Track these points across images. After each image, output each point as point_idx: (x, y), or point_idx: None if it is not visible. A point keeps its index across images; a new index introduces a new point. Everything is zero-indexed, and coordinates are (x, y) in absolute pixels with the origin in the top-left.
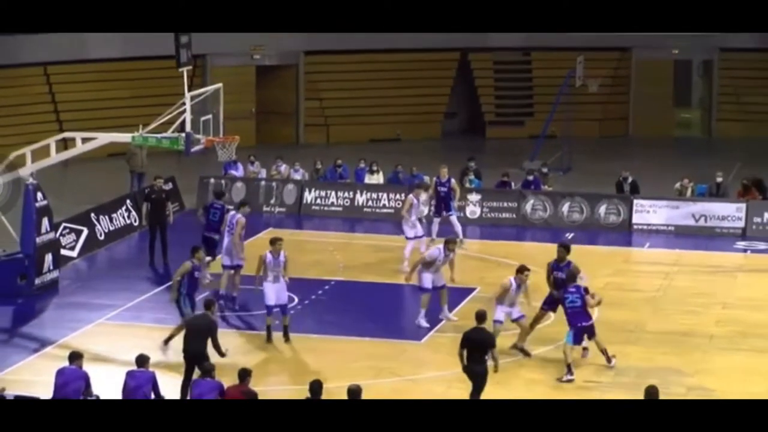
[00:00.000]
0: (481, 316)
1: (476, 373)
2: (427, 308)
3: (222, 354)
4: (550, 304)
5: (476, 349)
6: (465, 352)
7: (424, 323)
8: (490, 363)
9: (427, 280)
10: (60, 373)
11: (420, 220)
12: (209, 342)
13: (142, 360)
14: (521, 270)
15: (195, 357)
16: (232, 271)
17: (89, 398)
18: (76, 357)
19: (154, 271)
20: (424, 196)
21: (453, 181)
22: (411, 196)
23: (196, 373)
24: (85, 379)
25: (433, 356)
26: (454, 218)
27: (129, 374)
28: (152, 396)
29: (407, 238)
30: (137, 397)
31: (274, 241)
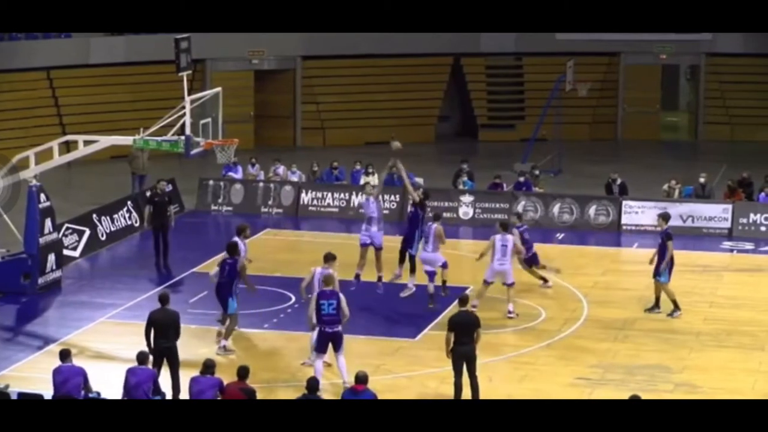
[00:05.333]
0: (464, 300)
1: (467, 354)
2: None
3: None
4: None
5: (463, 332)
6: (453, 336)
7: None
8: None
9: None
10: (57, 371)
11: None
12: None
13: (143, 357)
14: (504, 226)
15: (162, 352)
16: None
17: (89, 394)
18: (67, 354)
19: (155, 271)
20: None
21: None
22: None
23: (197, 370)
24: (83, 375)
25: (427, 353)
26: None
27: (130, 371)
28: (151, 393)
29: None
30: (138, 394)
31: None
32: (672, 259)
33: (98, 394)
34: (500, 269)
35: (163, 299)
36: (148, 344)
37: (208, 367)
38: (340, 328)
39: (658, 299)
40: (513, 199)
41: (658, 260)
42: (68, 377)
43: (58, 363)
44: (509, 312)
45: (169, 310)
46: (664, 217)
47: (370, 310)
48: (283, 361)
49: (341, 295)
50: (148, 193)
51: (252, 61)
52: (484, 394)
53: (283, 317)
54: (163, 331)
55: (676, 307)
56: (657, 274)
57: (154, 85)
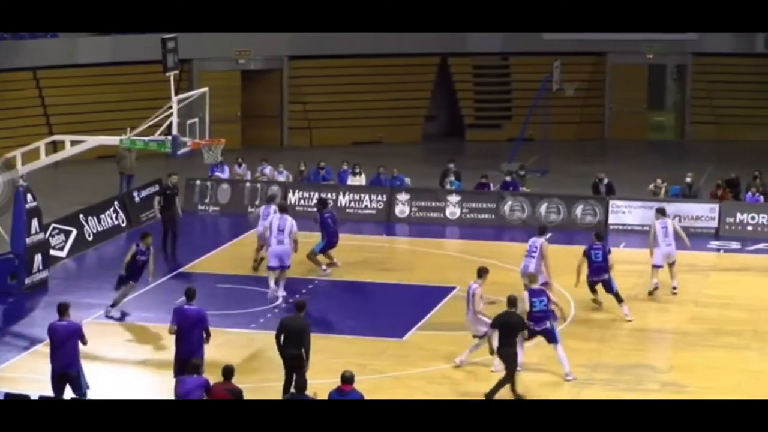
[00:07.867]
0: (512, 301)
1: (507, 354)
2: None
3: (307, 357)
4: None
5: (508, 333)
6: (497, 334)
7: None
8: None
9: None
10: (53, 329)
11: None
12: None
13: (191, 294)
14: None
15: (291, 358)
16: None
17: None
18: (65, 310)
19: (160, 265)
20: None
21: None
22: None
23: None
24: (79, 330)
25: (414, 353)
26: None
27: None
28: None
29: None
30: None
31: None
32: None
33: (85, 393)
34: (668, 251)
35: (299, 306)
36: (279, 350)
37: (195, 367)
38: (547, 324)
39: None
40: (500, 199)
41: None
42: (66, 335)
43: (46, 363)
44: (674, 288)
45: (300, 318)
46: None
47: (358, 311)
48: (270, 362)
49: (548, 292)
50: (161, 186)
51: (239, 61)
52: (472, 394)
53: (270, 317)
54: (292, 339)
55: None
56: None
57: (141, 85)
